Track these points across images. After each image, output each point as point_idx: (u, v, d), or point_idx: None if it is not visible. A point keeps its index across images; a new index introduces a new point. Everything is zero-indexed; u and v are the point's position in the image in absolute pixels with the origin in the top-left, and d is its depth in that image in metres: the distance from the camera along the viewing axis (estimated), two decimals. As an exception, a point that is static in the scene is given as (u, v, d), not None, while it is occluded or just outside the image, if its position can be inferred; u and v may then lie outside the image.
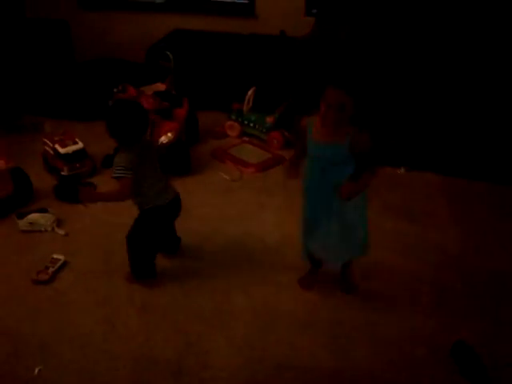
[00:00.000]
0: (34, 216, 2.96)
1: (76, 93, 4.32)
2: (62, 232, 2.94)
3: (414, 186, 3.49)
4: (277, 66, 4.15)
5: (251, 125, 3.97)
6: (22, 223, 2.94)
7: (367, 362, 2.22)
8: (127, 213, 2.52)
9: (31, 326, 2.36)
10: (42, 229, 2.95)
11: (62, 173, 3.33)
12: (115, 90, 4.04)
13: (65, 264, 2.70)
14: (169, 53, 4.08)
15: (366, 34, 3.58)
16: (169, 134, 3.42)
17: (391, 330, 2.37)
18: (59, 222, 3.02)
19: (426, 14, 3.42)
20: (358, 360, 2.23)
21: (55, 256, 2.71)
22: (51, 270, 2.63)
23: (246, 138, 3.98)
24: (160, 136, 3.40)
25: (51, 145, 3.39)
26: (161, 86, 3.95)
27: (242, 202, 3.28)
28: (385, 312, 2.47)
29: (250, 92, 3.97)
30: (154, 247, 2.58)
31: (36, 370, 2.12)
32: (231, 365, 2.19)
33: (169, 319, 2.41)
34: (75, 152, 3.35)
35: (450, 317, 2.44)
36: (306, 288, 2.60)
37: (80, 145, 3.39)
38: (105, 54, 4.81)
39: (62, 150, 3.33)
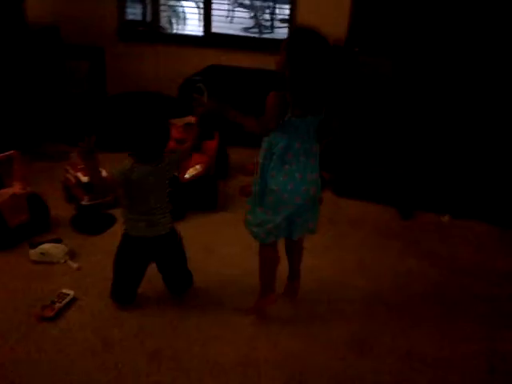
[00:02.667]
0: (46, 246, 2.74)
1: (105, 124, 4.21)
2: (74, 265, 2.71)
3: (459, 234, 3.19)
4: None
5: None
6: (34, 253, 2.73)
7: None
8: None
9: (30, 368, 2.09)
10: (54, 260, 2.72)
11: (82, 202, 3.14)
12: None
13: (73, 300, 2.45)
14: (202, 85, 3.94)
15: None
16: (197, 167, 3.22)
17: None
18: (73, 255, 2.79)
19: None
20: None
21: (64, 291, 2.47)
22: (58, 305, 2.37)
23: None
24: (188, 167, 3.19)
25: (73, 172, 3.22)
26: (192, 119, 3.78)
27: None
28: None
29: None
30: (127, 274, 2.37)
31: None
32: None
33: (183, 369, 2.11)
34: (97, 181, 3.16)
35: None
36: None
37: (103, 174, 3.19)
38: (137, 87, 4.73)
39: (83, 179, 3.14)
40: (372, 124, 3.37)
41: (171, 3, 5.29)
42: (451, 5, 3.21)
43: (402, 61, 3.39)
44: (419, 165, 3.33)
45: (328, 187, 3.56)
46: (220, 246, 2.96)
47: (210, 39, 4.68)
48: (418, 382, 2.11)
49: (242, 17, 5.52)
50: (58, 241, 2.81)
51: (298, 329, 2.36)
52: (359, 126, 3.42)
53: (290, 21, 4.43)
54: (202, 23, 4.73)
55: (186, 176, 3.19)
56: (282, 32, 5.32)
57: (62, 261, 2.73)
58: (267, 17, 6.34)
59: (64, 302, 2.40)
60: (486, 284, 2.71)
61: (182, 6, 5.42)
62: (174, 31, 5.40)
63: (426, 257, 2.92)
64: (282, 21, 5.07)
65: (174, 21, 5.39)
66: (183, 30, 5.45)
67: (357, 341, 2.30)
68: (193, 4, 5.32)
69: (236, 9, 6.90)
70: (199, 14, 5.10)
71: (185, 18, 5.55)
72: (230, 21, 5.75)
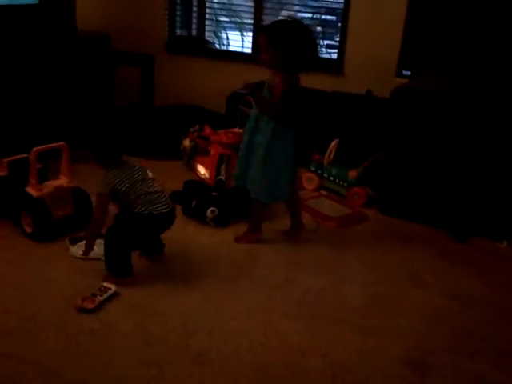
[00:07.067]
0: (88, 241, 2.67)
1: (151, 133, 4.22)
2: (116, 262, 2.61)
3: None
4: (363, 123, 3.88)
5: (331, 178, 3.63)
6: (74, 249, 2.65)
7: None
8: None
9: (66, 360, 1.97)
10: (95, 257, 2.63)
11: (126, 202, 3.07)
12: (191, 129, 3.88)
13: (115, 295, 2.35)
14: (250, 98, 3.89)
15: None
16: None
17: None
18: (115, 252, 2.70)
19: None
20: None
21: (105, 284, 2.37)
22: (99, 298, 2.27)
23: (323, 192, 3.64)
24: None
25: (119, 172, 3.16)
26: (238, 131, 3.73)
27: (317, 254, 2.87)
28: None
29: (332, 143, 3.68)
30: (131, 249, 2.48)
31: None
32: None
33: (227, 374, 1.97)
34: (143, 182, 3.10)
35: None
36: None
37: (150, 175, 3.13)
38: (184, 100, 4.73)
39: (130, 179, 3.08)
40: (423, 142, 3.23)
41: (220, 19, 5.35)
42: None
43: (462, 78, 3.29)
44: (474, 186, 3.16)
45: (374, 205, 3.46)
46: (264, 254, 2.84)
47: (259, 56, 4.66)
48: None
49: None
50: (99, 235, 2.73)
51: (348, 342, 2.20)
52: (409, 143, 3.28)
53: (340, 46, 4.39)
54: (250, 40, 4.75)
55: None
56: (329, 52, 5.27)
57: (104, 258, 2.63)
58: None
59: (105, 295, 2.30)
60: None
61: (228, 22, 5.46)
62: (220, 47, 5.43)
63: (487, 279, 2.74)
64: (330, 46, 5.01)
65: (220, 36, 5.43)
66: (228, 45, 5.46)
67: (415, 359, 2.13)
68: (239, 20, 5.36)
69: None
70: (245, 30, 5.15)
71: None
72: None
